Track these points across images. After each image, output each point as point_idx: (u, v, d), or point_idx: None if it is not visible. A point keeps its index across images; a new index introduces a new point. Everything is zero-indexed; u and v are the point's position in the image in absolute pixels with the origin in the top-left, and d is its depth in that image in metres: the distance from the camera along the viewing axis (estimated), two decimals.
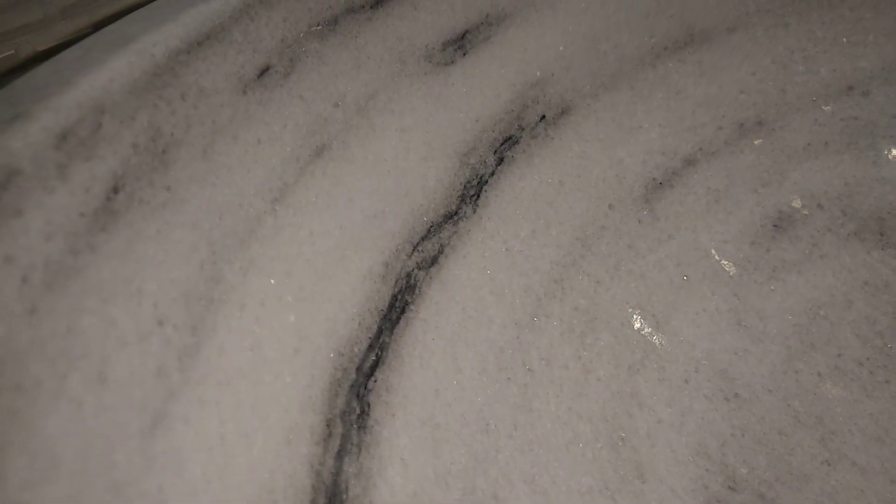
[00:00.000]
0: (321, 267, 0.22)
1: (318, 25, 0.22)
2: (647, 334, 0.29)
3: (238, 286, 0.19)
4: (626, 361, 0.28)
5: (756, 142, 0.34)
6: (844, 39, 0.34)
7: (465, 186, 0.28)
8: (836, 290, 0.32)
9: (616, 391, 0.28)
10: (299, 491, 0.19)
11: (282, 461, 0.19)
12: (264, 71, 0.22)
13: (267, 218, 0.21)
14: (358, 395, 0.22)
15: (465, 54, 0.27)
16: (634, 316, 0.29)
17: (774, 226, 0.33)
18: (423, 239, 0.26)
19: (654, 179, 0.32)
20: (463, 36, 0.27)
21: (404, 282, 0.25)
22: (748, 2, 0.33)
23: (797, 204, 0.33)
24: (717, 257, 0.31)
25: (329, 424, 0.21)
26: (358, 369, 0.22)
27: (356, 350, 0.22)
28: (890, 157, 0.37)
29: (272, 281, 0.19)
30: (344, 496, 0.20)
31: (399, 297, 0.25)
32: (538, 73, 0.31)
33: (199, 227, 0.18)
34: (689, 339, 0.29)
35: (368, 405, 0.22)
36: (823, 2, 0.34)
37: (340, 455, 0.21)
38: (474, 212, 0.28)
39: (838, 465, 0.27)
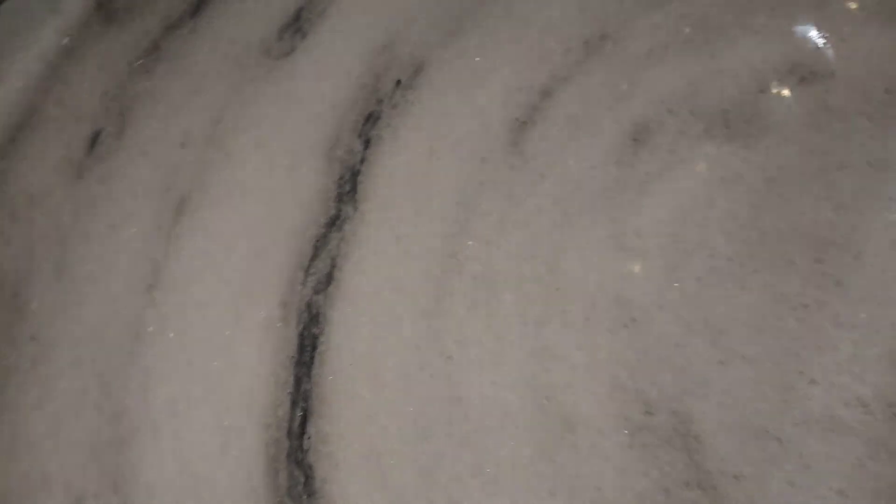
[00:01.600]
0: (219, 340, 0.19)
1: (139, 59, 0.18)
2: (543, 283, 0.29)
3: (142, 411, 0.16)
4: (531, 317, 0.29)
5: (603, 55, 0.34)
6: None
7: (338, 184, 0.26)
8: (697, 192, 0.33)
9: (529, 350, 0.28)
10: None
11: None
12: (95, 139, 0.18)
13: (148, 312, 0.18)
14: (297, 462, 0.20)
15: (304, 37, 0.24)
16: (527, 267, 0.29)
17: (634, 140, 0.33)
18: (312, 259, 0.24)
19: (516, 120, 0.31)
20: (298, 15, 0.23)
21: (306, 315, 0.23)
22: None
23: (650, 113, 0.33)
24: (589, 184, 0.31)
25: None
26: (289, 433, 0.20)
27: (281, 413, 0.21)
28: (723, 47, 0.37)
29: (174, 386, 0.17)
30: None
31: (306, 333, 0.23)
32: (384, 36, 0.28)
33: (81, 365, 0.15)
34: (581, 276, 0.30)
35: (310, 467, 0.20)
36: None
37: None
38: (355, 209, 0.26)
39: (731, 363, 0.29)
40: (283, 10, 0.24)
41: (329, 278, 0.24)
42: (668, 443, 0.28)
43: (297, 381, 0.22)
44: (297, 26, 0.24)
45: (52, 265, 0.16)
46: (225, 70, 0.22)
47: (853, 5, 0.35)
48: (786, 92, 0.37)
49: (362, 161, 0.26)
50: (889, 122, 0.37)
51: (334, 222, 0.25)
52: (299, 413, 0.21)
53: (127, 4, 0.19)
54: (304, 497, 0.20)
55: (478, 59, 0.31)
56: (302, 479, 0.21)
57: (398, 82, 0.27)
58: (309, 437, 0.21)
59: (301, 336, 0.22)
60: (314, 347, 0.23)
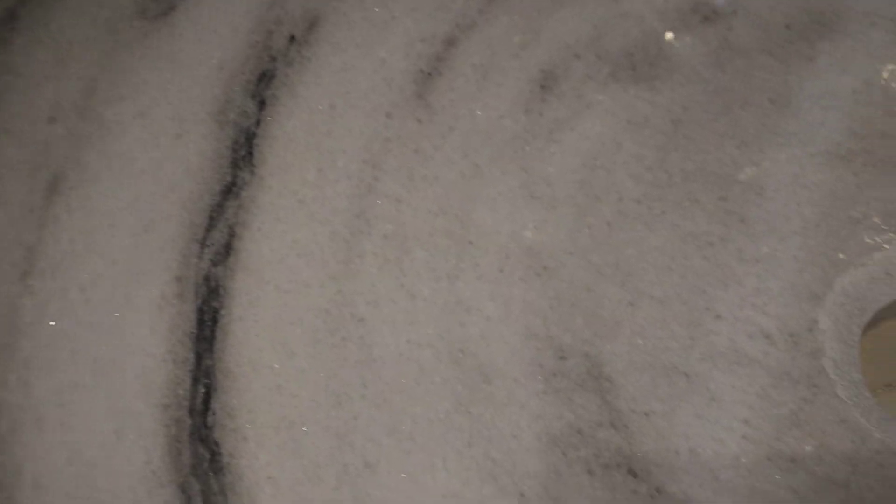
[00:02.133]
0: (107, 324, 0.19)
1: None
2: (455, 237, 0.29)
3: (24, 405, 0.16)
4: (443, 272, 0.28)
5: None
6: None
7: (233, 149, 0.25)
8: (605, 136, 0.34)
9: (443, 305, 0.28)
10: None
11: None
12: None
13: (24, 302, 0.17)
14: (202, 440, 0.20)
15: None
16: (439, 222, 0.29)
17: (542, 87, 0.33)
18: (208, 230, 0.23)
19: (421, 72, 0.30)
20: None
21: (205, 288, 0.22)
22: None
23: (556, 59, 0.33)
24: (498, 134, 0.31)
25: (184, 489, 0.19)
26: (191, 411, 0.20)
27: (181, 392, 0.20)
28: None
29: (59, 376, 0.16)
30: None
31: (205, 308, 0.22)
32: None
33: None
34: (494, 228, 0.30)
35: (216, 443, 0.20)
36: None
37: None
38: (253, 174, 0.25)
39: (640, 304, 0.30)
40: None
41: (227, 249, 0.23)
42: (582, 386, 0.28)
43: (198, 358, 0.21)
44: None
45: None
46: (95, 36, 0.21)
47: None
48: (689, 32, 0.37)
49: (258, 123, 0.25)
50: (790, 57, 0.37)
51: (230, 189, 0.24)
52: (202, 390, 0.21)
53: None
54: (211, 474, 0.20)
55: (377, 9, 0.30)
56: (207, 456, 0.20)
57: (292, 38, 0.26)
58: (213, 414, 0.21)
59: (200, 311, 0.22)
60: (215, 321, 0.22)
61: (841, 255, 0.33)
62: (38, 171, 0.19)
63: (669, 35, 0.38)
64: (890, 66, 0.39)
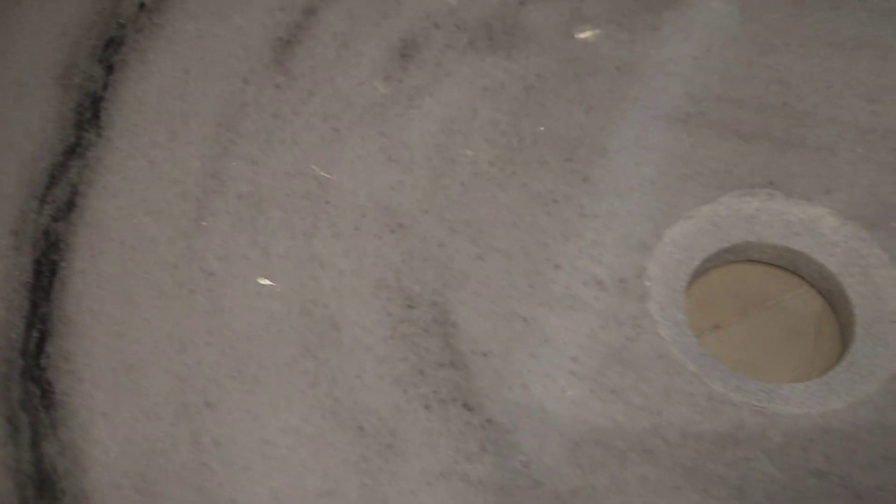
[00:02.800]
0: None
1: None
2: (312, 198, 0.31)
3: None
4: (300, 230, 0.31)
5: None
6: None
7: (77, 112, 0.26)
8: (462, 102, 0.36)
9: (298, 261, 0.30)
10: (3, 496, 0.19)
11: None
12: None
13: None
14: (34, 379, 0.22)
15: None
16: (297, 184, 0.31)
17: (402, 55, 0.35)
18: (48, 187, 0.25)
19: (280, 39, 0.33)
20: None
21: (43, 242, 0.24)
22: None
23: (417, 28, 0.35)
24: (358, 101, 0.33)
25: (11, 420, 0.21)
26: (24, 353, 0.22)
27: (14, 335, 0.22)
28: None
29: None
30: (55, 477, 0.20)
31: (43, 260, 0.24)
32: None
33: None
34: (351, 189, 0.32)
35: (49, 383, 0.22)
36: None
37: (36, 442, 0.21)
38: (99, 136, 0.27)
39: (488, 257, 0.33)
40: None
41: (70, 206, 0.25)
42: (427, 331, 0.31)
43: (34, 305, 0.23)
44: None
45: None
46: None
47: None
48: (543, 3, 0.40)
49: (105, 87, 0.27)
50: (636, 27, 0.40)
51: (74, 150, 0.25)
52: (35, 335, 0.23)
53: None
54: (41, 409, 0.21)
55: None
56: (38, 393, 0.22)
57: (142, 5, 0.28)
58: (48, 356, 0.23)
59: (37, 262, 0.23)
60: (53, 273, 0.24)
61: (672, 210, 0.36)
62: None
63: (525, 6, 0.40)
64: (727, 34, 0.42)
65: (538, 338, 0.35)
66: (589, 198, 0.39)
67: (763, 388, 0.34)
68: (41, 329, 0.25)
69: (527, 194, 0.39)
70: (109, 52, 0.31)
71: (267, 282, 0.33)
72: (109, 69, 0.31)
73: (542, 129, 0.41)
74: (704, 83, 0.42)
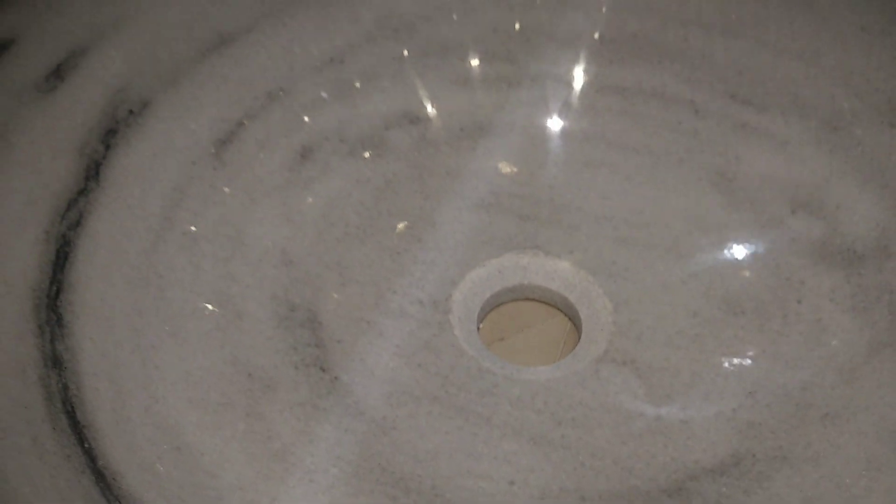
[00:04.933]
0: None
1: None
2: (233, 240, 0.49)
3: None
4: (221, 258, 0.48)
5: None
6: None
7: (87, 169, 0.44)
8: (341, 189, 0.58)
9: (219, 276, 0.47)
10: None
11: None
12: None
13: None
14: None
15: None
16: (223, 229, 0.49)
17: (301, 156, 0.54)
18: (67, 209, 0.42)
19: (219, 139, 0.51)
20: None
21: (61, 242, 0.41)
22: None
23: (313, 140, 0.54)
24: (269, 182, 0.52)
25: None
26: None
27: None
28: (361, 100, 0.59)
29: None
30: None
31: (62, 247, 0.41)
32: (120, 83, 0.47)
33: None
34: (260, 236, 0.49)
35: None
36: None
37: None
38: (98, 185, 0.44)
39: (348, 285, 0.51)
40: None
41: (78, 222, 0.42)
42: (301, 325, 0.49)
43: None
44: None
45: None
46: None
47: None
48: (399, 128, 0.60)
49: (104, 157, 0.45)
50: (461, 147, 0.60)
51: (83, 192, 0.43)
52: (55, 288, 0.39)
53: None
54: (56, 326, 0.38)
55: (190, 100, 0.51)
56: (55, 318, 0.38)
57: (130, 111, 0.47)
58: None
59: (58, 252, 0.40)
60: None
61: (472, 260, 0.55)
62: None
63: (389, 130, 0.61)
64: (519, 156, 0.63)
65: (376, 334, 0.53)
66: (420, 251, 0.58)
67: (516, 368, 0.53)
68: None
69: (379, 247, 0.58)
70: (108, 136, 0.50)
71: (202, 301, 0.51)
72: (108, 147, 0.49)
73: (394, 208, 0.61)
74: (500, 184, 0.63)
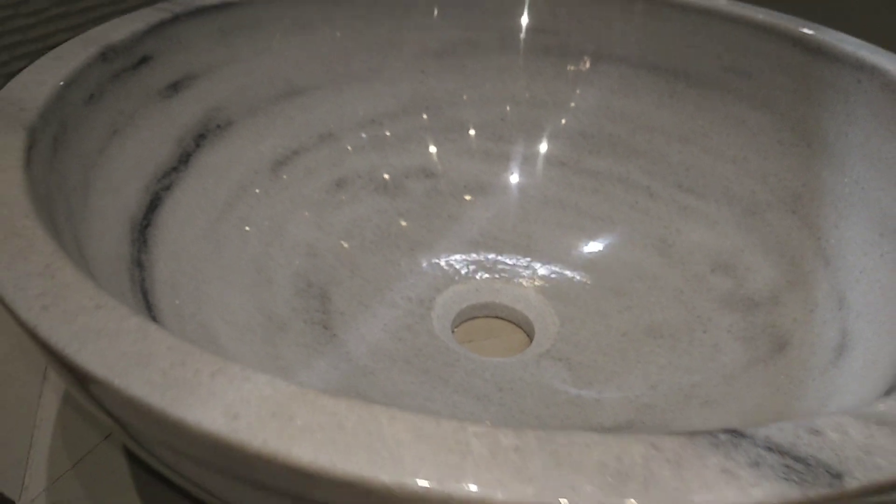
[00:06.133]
0: None
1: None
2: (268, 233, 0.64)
3: None
4: (263, 241, 0.63)
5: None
6: None
7: (180, 156, 0.61)
8: (370, 208, 0.70)
9: (254, 256, 0.62)
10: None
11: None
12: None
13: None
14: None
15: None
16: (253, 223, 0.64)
17: (336, 185, 0.71)
18: (163, 177, 0.59)
19: (277, 161, 0.68)
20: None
21: (155, 195, 0.57)
22: None
23: (346, 175, 0.71)
24: (308, 200, 0.68)
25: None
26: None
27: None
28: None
29: None
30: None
31: (155, 199, 0.57)
32: (215, 104, 0.65)
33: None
34: (293, 232, 0.65)
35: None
36: None
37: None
38: (186, 168, 0.61)
39: (355, 278, 0.65)
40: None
41: (170, 185, 0.58)
42: (314, 297, 0.64)
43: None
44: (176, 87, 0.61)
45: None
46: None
47: None
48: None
49: (195, 149, 0.62)
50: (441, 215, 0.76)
51: (175, 168, 0.59)
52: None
53: None
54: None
55: (263, 129, 0.68)
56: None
57: (218, 125, 0.64)
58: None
59: (153, 200, 0.56)
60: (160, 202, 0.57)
61: (454, 277, 0.70)
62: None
63: (407, 179, 0.77)
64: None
65: (370, 314, 0.67)
66: (416, 266, 0.73)
67: (476, 356, 0.66)
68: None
69: (385, 259, 0.74)
70: (199, 137, 0.67)
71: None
72: (198, 144, 0.67)
73: (402, 234, 0.76)
74: (489, 230, 0.79)
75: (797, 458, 0.28)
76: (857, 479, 0.26)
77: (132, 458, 0.54)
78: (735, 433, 0.28)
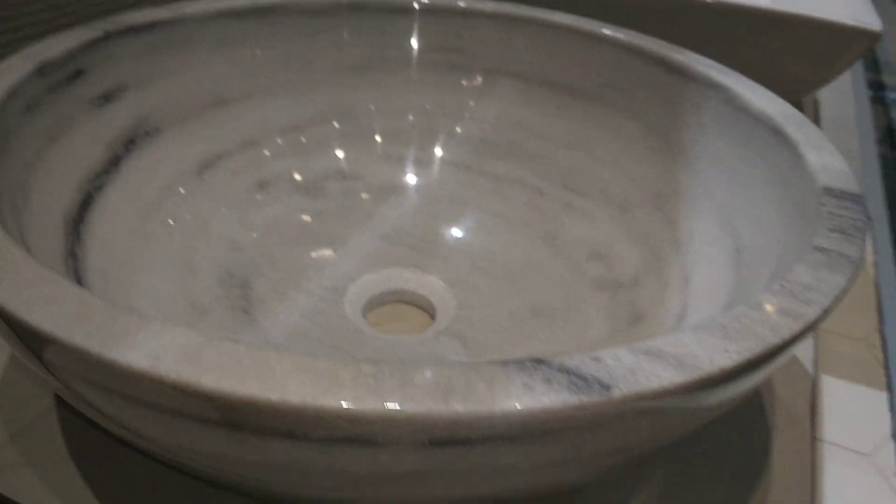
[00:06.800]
0: None
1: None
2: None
3: None
4: (188, 235, 0.70)
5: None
6: None
7: (111, 158, 0.67)
8: (288, 209, 0.77)
9: (183, 245, 0.68)
10: None
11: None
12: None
13: None
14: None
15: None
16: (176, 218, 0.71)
17: (259, 186, 0.77)
18: (95, 178, 0.65)
19: (202, 164, 0.74)
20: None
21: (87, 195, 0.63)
22: None
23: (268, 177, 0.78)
24: (229, 199, 0.74)
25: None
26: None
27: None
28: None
29: None
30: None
31: (87, 198, 0.63)
32: (144, 113, 0.71)
33: None
34: (217, 226, 0.72)
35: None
36: None
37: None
38: (116, 170, 0.67)
39: (274, 272, 0.72)
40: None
41: (102, 186, 0.64)
42: (236, 286, 0.70)
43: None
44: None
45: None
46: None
47: None
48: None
49: (126, 152, 0.68)
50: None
51: (107, 170, 0.65)
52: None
53: None
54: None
55: (197, 132, 0.75)
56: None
57: (147, 132, 0.70)
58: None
59: (81, 204, 0.62)
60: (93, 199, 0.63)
61: (367, 268, 0.77)
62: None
63: (325, 181, 0.84)
64: None
65: (289, 301, 0.74)
66: (332, 259, 0.81)
67: (382, 335, 0.74)
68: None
69: (304, 252, 0.82)
70: (128, 143, 0.73)
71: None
72: (128, 149, 0.73)
73: (321, 230, 0.84)
74: (400, 226, 0.87)
75: (579, 377, 0.37)
76: (620, 389, 0.35)
77: (67, 427, 0.60)
78: (537, 361, 0.38)
